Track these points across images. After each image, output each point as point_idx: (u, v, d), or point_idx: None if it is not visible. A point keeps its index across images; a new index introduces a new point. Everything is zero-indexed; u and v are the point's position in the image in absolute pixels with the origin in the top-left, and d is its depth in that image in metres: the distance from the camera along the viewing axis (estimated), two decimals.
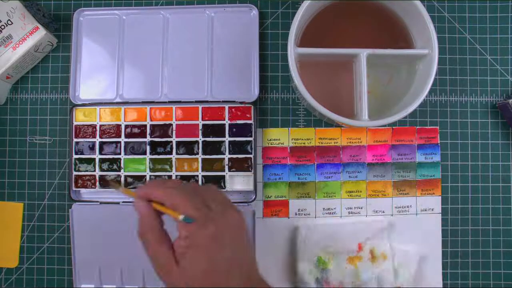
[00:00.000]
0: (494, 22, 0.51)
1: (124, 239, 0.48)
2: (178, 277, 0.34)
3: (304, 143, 0.50)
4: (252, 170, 0.48)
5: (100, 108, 0.50)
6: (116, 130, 0.49)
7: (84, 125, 0.50)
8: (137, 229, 0.37)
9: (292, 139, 0.50)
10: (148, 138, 0.49)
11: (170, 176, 0.49)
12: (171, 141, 0.49)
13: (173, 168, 0.49)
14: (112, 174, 0.49)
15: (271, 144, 0.50)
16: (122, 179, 0.49)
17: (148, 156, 0.49)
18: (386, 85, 0.46)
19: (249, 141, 0.48)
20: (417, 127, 0.50)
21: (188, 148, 0.49)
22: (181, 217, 0.34)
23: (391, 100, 0.45)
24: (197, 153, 0.49)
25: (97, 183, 0.49)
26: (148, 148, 0.49)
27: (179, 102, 0.49)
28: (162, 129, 0.49)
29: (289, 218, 0.49)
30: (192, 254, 0.34)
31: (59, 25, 0.51)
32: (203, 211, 0.34)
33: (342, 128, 0.50)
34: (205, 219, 0.34)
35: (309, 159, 0.50)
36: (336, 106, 0.41)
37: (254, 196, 0.48)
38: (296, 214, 0.49)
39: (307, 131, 0.50)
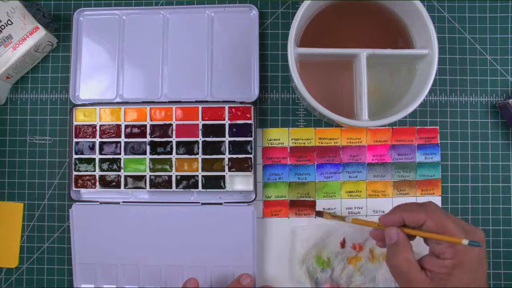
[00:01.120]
0: (494, 22, 0.51)
1: (124, 239, 0.48)
2: None
3: (304, 143, 0.50)
4: (252, 170, 0.48)
5: (100, 108, 0.50)
6: (116, 130, 0.49)
7: (84, 125, 0.50)
8: (388, 257, 0.39)
9: (292, 139, 0.50)
10: (148, 138, 0.49)
11: (170, 176, 0.49)
12: (171, 141, 0.49)
13: (173, 168, 0.49)
14: (112, 174, 0.49)
15: (271, 144, 0.50)
16: (122, 179, 0.49)
17: (148, 156, 0.49)
18: (386, 85, 0.46)
19: (249, 141, 0.48)
20: (417, 127, 0.50)
21: (188, 148, 0.49)
22: (465, 241, 0.35)
23: (391, 100, 0.45)
24: (197, 153, 0.49)
25: (97, 183, 0.49)
26: (148, 148, 0.49)
27: (179, 102, 0.49)
28: (162, 129, 0.49)
29: (289, 218, 0.49)
30: (459, 274, 0.36)
31: (59, 25, 0.51)
32: (470, 236, 0.36)
33: (342, 128, 0.50)
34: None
35: (309, 159, 0.50)
36: (336, 106, 0.41)
37: (254, 196, 0.48)
38: (296, 214, 0.49)
39: (307, 131, 0.50)
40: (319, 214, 0.49)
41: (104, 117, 0.50)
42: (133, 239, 0.48)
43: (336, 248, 0.48)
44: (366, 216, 0.49)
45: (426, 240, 0.40)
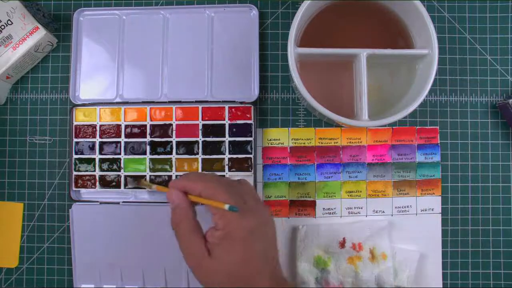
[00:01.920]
0: (494, 22, 0.51)
1: (124, 239, 0.48)
2: (210, 267, 0.35)
3: (304, 143, 0.50)
4: (252, 170, 0.48)
5: (100, 108, 0.50)
6: (116, 130, 0.49)
7: (84, 125, 0.50)
8: (171, 219, 0.38)
9: (292, 139, 0.50)
10: (148, 138, 0.49)
11: (170, 176, 0.49)
12: (171, 141, 0.49)
13: (173, 168, 0.49)
14: (112, 174, 0.49)
15: (271, 144, 0.50)
16: (122, 179, 0.49)
17: (148, 156, 0.49)
18: (386, 85, 0.46)
19: (249, 141, 0.48)
20: (417, 127, 0.50)
21: (188, 148, 0.49)
22: (226, 206, 0.34)
23: (391, 100, 0.45)
24: (197, 153, 0.49)
25: (97, 183, 0.49)
26: (148, 148, 0.49)
27: (179, 102, 0.49)
28: (162, 129, 0.49)
29: (289, 218, 0.49)
30: (227, 245, 0.35)
31: (59, 25, 0.51)
32: (240, 204, 0.35)
33: (342, 128, 0.50)
34: (243, 212, 0.35)
35: (309, 159, 0.50)
36: (336, 106, 0.41)
37: None
38: (296, 214, 0.49)
39: (307, 131, 0.50)
40: (138, 183, 0.48)
41: (104, 117, 0.50)
42: (133, 239, 0.48)
43: (336, 248, 0.48)
44: (366, 216, 0.49)
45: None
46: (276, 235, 0.39)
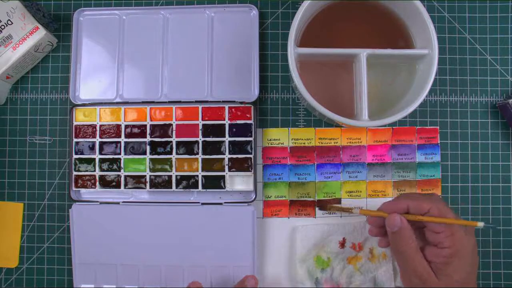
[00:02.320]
0: (494, 22, 0.51)
1: (124, 239, 0.48)
2: (439, 285, 0.37)
3: (304, 143, 0.50)
4: (252, 170, 0.48)
5: (100, 108, 0.50)
6: (116, 130, 0.49)
7: (84, 125, 0.50)
8: (393, 243, 0.39)
9: (292, 139, 0.50)
10: (148, 138, 0.49)
11: (170, 176, 0.49)
12: (171, 141, 0.49)
13: (173, 168, 0.49)
14: (112, 174, 0.49)
15: (271, 144, 0.50)
16: (122, 179, 0.49)
17: (148, 156, 0.49)
18: (386, 85, 0.46)
19: (249, 141, 0.48)
20: (417, 127, 0.50)
21: (188, 148, 0.49)
22: (481, 224, 0.37)
23: (391, 100, 0.45)
24: (197, 153, 0.49)
25: (97, 183, 0.49)
26: (148, 148, 0.49)
27: (179, 102, 0.49)
28: (162, 129, 0.49)
29: (289, 218, 0.49)
30: (457, 263, 0.37)
31: (59, 25, 0.51)
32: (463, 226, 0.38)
33: (342, 128, 0.50)
34: (467, 229, 0.38)
35: (309, 159, 0.50)
36: (336, 106, 0.41)
37: (254, 196, 0.48)
38: (296, 214, 0.49)
39: (307, 131, 0.50)
40: (323, 207, 0.48)
41: (104, 117, 0.50)
42: (133, 239, 0.48)
43: (336, 248, 0.48)
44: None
45: (419, 233, 0.40)
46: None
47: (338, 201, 0.49)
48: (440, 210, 0.37)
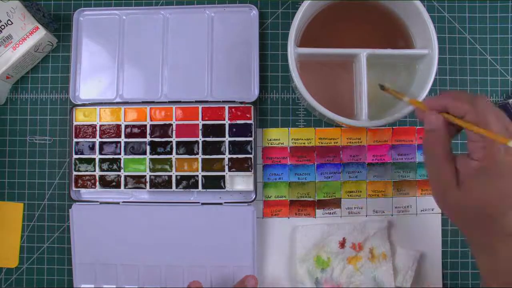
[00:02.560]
0: (494, 22, 0.51)
1: (124, 239, 0.48)
2: (456, 199, 0.33)
3: (304, 143, 0.50)
4: (252, 170, 0.48)
5: (100, 108, 0.50)
6: (116, 130, 0.49)
7: (84, 125, 0.50)
8: (424, 140, 0.35)
9: (292, 139, 0.50)
10: (148, 138, 0.49)
11: (170, 176, 0.49)
12: (171, 141, 0.49)
13: (173, 168, 0.49)
14: (112, 174, 0.49)
15: (271, 144, 0.50)
16: (122, 179, 0.49)
17: (148, 156, 0.49)
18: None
19: (249, 141, 0.48)
20: (417, 127, 0.50)
21: (188, 148, 0.49)
22: (510, 142, 0.30)
23: (391, 100, 0.45)
24: (197, 153, 0.49)
25: (97, 183, 0.49)
26: (148, 148, 0.49)
27: (179, 102, 0.49)
28: (162, 129, 0.49)
29: (289, 218, 0.49)
30: (483, 179, 0.32)
31: (59, 25, 0.51)
32: (510, 136, 0.31)
33: (342, 128, 0.50)
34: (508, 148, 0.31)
35: (309, 159, 0.50)
36: (336, 106, 0.41)
37: (254, 196, 0.48)
38: (296, 214, 0.49)
39: (307, 131, 0.50)
40: (382, 87, 0.43)
41: (104, 117, 0.50)
42: (133, 239, 0.48)
43: (336, 248, 0.48)
44: (366, 216, 0.49)
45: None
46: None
47: (338, 200, 0.50)
48: (479, 116, 0.32)
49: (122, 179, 0.49)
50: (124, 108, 0.50)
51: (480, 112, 0.32)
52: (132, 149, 0.49)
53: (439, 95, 0.36)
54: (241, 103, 0.49)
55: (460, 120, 0.33)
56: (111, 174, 0.49)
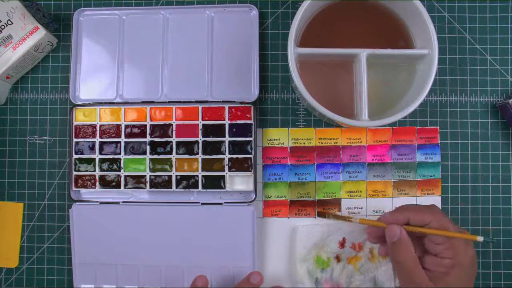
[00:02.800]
0: (494, 22, 0.51)
1: (124, 239, 0.48)
2: None
3: (304, 143, 0.50)
4: (252, 170, 0.48)
5: (100, 108, 0.50)
6: (116, 130, 0.49)
7: (84, 125, 0.50)
8: (393, 253, 0.40)
9: (292, 139, 0.50)
10: (148, 138, 0.49)
11: (170, 176, 0.49)
12: (171, 141, 0.49)
13: (173, 168, 0.49)
14: (112, 174, 0.49)
15: (271, 144, 0.50)
16: (122, 179, 0.49)
17: (148, 156, 0.49)
18: (386, 85, 0.46)
19: (249, 141, 0.48)
20: (417, 127, 0.50)
21: (188, 148, 0.49)
22: (480, 238, 0.38)
23: (391, 100, 0.45)
24: (197, 153, 0.49)
25: (97, 183, 0.49)
26: (148, 148, 0.49)
27: (179, 102, 0.49)
28: (162, 129, 0.49)
29: (289, 218, 0.49)
30: (457, 274, 0.37)
31: (59, 25, 0.51)
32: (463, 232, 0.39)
33: (342, 128, 0.50)
34: (466, 240, 0.38)
35: (309, 159, 0.50)
36: (336, 106, 0.41)
37: (254, 196, 0.48)
38: (296, 214, 0.49)
39: (307, 131, 0.50)
40: (321, 214, 0.49)
41: (104, 117, 0.50)
42: (133, 239, 0.48)
43: (335, 248, 0.48)
44: (366, 216, 0.49)
45: (417, 242, 0.41)
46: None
47: (338, 201, 0.49)
48: (441, 223, 0.38)
49: (122, 179, 0.49)
50: (124, 108, 0.50)
51: (440, 219, 0.39)
52: (132, 149, 0.49)
53: (396, 210, 0.41)
54: (241, 103, 0.49)
55: (426, 229, 0.39)
56: (111, 174, 0.49)
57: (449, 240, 0.38)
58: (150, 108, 0.49)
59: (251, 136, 0.48)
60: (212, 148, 0.49)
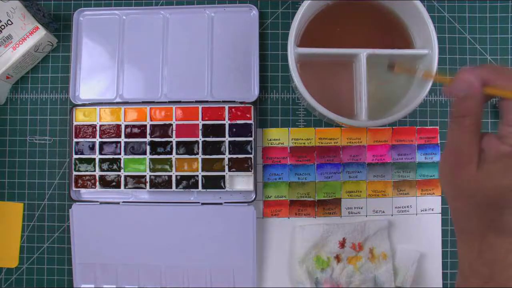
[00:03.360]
0: (494, 22, 0.51)
1: (124, 239, 0.48)
2: (471, 178, 0.30)
3: (304, 143, 0.50)
4: (252, 170, 0.48)
5: (100, 108, 0.50)
6: (116, 130, 0.49)
7: (84, 125, 0.50)
8: (455, 108, 0.31)
9: (292, 139, 0.50)
10: (148, 138, 0.49)
11: (170, 176, 0.49)
12: (171, 141, 0.49)
13: (173, 168, 0.49)
14: (112, 174, 0.49)
15: (271, 144, 0.50)
16: (122, 179, 0.49)
17: (148, 156, 0.49)
18: (386, 85, 0.46)
19: (249, 141, 0.48)
20: (417, 127, 0.50)
21: (188, 148, 0.49)
22: None
23: (391, 100, 0.45)
24: (197, 153, 0.49)
25: (97, 183, 0.49)
26: (148, 148, 0.49)
27: (179, 102, 0.49)
28: (162, 129, 0.49)
29: (289, 218, 0.49)
30: (508, 166, 0.29)
31: (59, 25, 0.51)
32: None
33: (342, 128, 0.50)
34: None
35: (309, 159, 0.50)
36: (336, 106, 0.41)
37: (254, 196, 0.48)
38: (296, 214, 0.49)
39: (307, 131, 0.50)
40: (391, 67, 0.42)
41: (104, 117, 0.50)
42: (133, 239, 0.48)
43: (335, 248, 0.48)
44: (366, 216, 0.49)
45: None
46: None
47: (338, 201, 0.49)
48: None
49: (122, 179, 0.49)
50: (124, 108, 0.50)
51: None
52: (132, 149, 0.49)
53: (476, 67, 0.31)
54: (241, 103, 0.49)
55: (509, 92, 0.29)
56: (111, 174, 0.49)
57: None
58: (150, 108, 0.49)
59: (251, 136, 0.48)
60: (212, 148, 0.49)
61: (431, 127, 0.50)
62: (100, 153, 0.49)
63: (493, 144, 0.30)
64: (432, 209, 0.50)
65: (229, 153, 0.49)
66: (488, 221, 0.30)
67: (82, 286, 0.49)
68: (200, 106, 0.49)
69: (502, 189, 0.29)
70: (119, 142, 0.49)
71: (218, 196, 0.49)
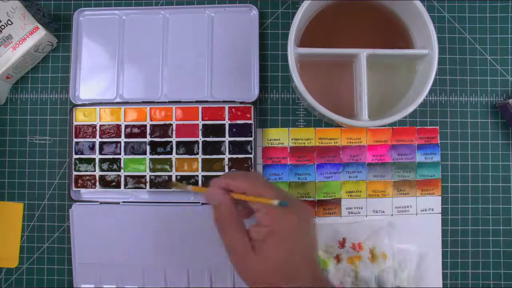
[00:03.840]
0: (494, 22, 0.51)
1: (124, 239, 0.48)
2: (254, 264, 0.35)
3: (304, 143, 0.50)
4: (252, 170, 0.48)
5: (100, 108, 0.50)
6: (116, 130, 0.49)
7: (84, 125, 0.50)
8: (214, 217, 0.37)
9: (292, 139, 0.50)
10: (148, 138, 0.49)
11: (170, 176, 0.49)
12: (171, 141, 0.49)
13: (173, 168, 0.49)
14: (112, 174, 0.49)
15: (271, 144, 0.50)
16: (122, 179, 0.49)
17: (148, 156, 0.49)
18: (386, 85, 0.46)
19: (249, 141, 0.48)
20: (417, 127, 0.50)
21: (188, 148, 0.49)
22: (275, 202, 0.34)
23: (391, 100, 0.45)
24: (197, 153, 0.49)
25: (97, 183, 0.49)
26: (148, 148, 0.49)
27: (179, 102, 0.49)
28: (162, 129, 0.49)
29: None
30: (273, 242, 0.35)
31: (59, 25, 0.51)
32: (286, 200, 0.35)
33: (342, 128, 0.50)
34: (287, 209, 0.35)
35: (309, 159, 0.50)
36: (336, 106, 0.41)
37: None
38: None
39: (307, 131, 0.50)
40: (166, 185, 0.48)
41: (104, 117, 0.50)
42: (133, 239, 0.48)
43: (335, 248, 0.48)
44: (366, 216, 0.49)
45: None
46: (316, 232, 0.38)
47: (338, 201, 0.49)
48: (256, 189, 0.36)
49: (122, 179, 0.49)
50: (124, 108, 0.50)
51: (257, 186, 0.36)
52: (132, 149, 0.49)
53: (221, 177, 0.38)
54: (241, 103, 0.49)
55: (239, 195, 0.37)
56: (111, 174, 0.49)
57: (264, 207, 0.35)
58: (150, 108, 0.49)
59: (251, 136, 0.48)
60: (212, 148, 0.49)
61: (431, 127, 0.50)
62: (100, 153, 0.49)
63: (255, 231, 0.36)
64: (432, 209, 0.50)
65: (229, 153, 0.49)
66: None
67: (82, 286, 0.49)
68: (200, 106, 0.49)
69: (278, 260, 0.34)
70: (119, 142, 0.49)
71: None
